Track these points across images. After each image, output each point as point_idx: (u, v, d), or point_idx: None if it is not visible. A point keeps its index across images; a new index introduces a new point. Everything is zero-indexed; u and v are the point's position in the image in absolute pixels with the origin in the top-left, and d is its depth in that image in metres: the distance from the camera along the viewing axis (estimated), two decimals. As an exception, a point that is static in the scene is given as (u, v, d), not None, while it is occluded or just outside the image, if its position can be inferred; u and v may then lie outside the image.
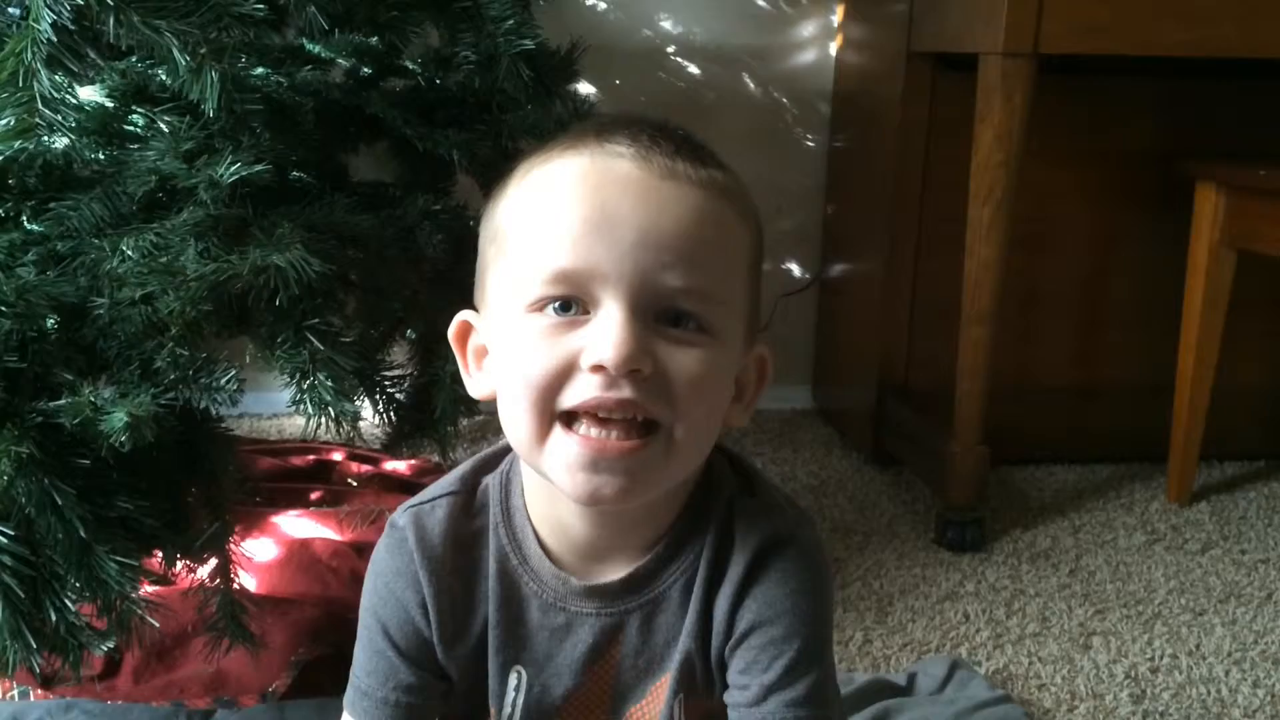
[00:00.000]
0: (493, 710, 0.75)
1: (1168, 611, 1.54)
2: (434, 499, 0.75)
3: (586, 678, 0.73)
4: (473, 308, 0.72)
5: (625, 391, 0.61)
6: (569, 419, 0.63)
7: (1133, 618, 1.52)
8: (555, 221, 0.63)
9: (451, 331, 0.72)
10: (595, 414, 0.62)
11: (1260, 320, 2.00)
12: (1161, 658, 1.42)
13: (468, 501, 0.74)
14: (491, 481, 0.75)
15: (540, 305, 0.63)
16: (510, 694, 0.74)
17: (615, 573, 0.72)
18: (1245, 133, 1.94)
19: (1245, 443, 2.10)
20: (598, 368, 0.61)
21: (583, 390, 0.62)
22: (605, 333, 0.61)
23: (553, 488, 0.68)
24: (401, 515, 0.74)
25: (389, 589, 0.74)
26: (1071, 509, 1.88)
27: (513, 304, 0.64)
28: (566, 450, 0.63)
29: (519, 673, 0.74)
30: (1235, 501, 1.93)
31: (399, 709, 0.74)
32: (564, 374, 0.62)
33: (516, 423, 0.65)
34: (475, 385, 0.72)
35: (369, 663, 0.75)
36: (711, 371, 0.64)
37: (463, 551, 0.73)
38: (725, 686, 0.73)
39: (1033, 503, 1.90)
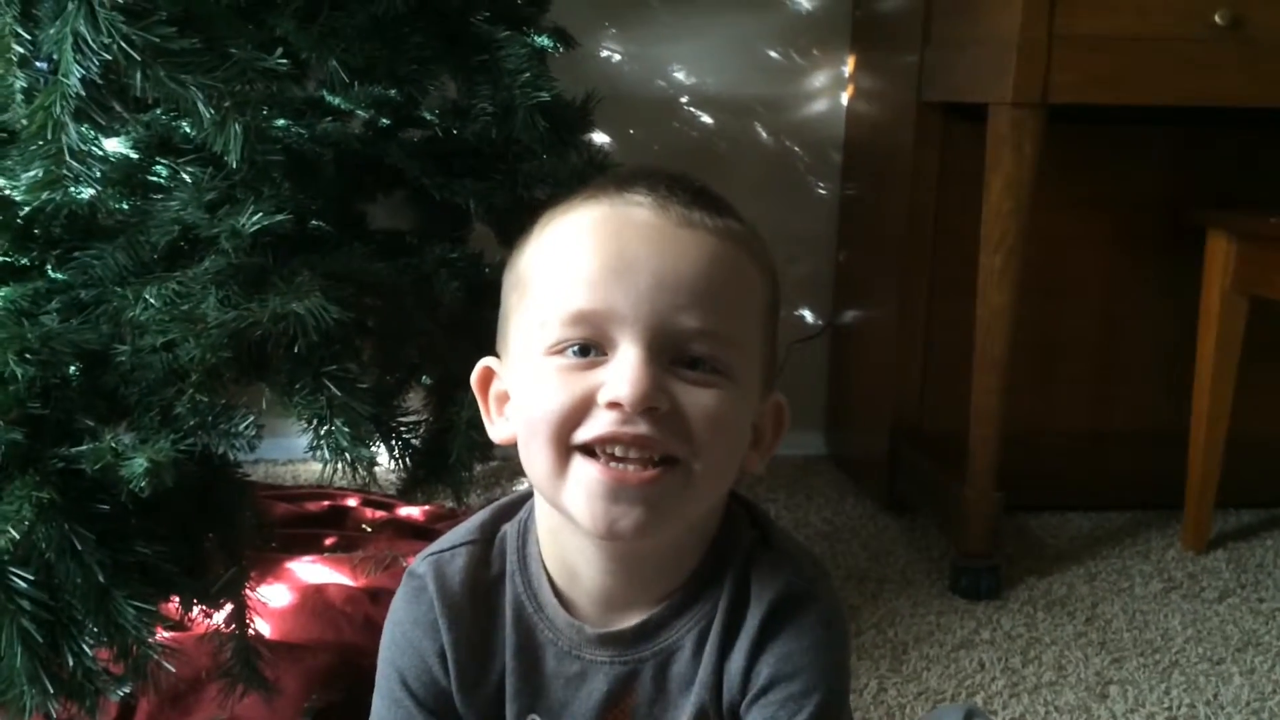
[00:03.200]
0: None
1: (1185, 660, 1.53)
2: (453, 547, 0.75)
3: None
4: (494, 354, 0.73)
5: (641, 427, 0.62)
6: (588, 452, 0.64)
7: (1149, 666, 1.51)
8: (575, 266, 0.65)
9: (474, 377, 0.73)
10: (612, 451, 0.63)
11: (1275, 367, 2.00)
12: (1179, 707, 1.40)
13: (486, 550, 0.75)
14: (509, 530, 0.76)
15: (560, 348, 0.65)
16: None
17: (629, 621, 0.72)
18: (1255, 180, 1.95)
19: (1262, 490, 2.09)
20: (614, 404, 0.62)
21: (599, 425, 0.63)
22: (622, 371, 0.62)
23: (567, 535, 0.69)
24: (421, 563, 0.75)
25: (407, 638, 0.74)
26: (1087, 556, 1.87)
27: (533, 347, 0.66)
28: (586, 477, 0.64)
29: None
30: (1252, 549, 1.91)
31: None
32: (581, 409, 0.63)
33: (535, 459, 0.66)
34: (496, 431, 0.73)
35: (386, 713, 0.75)
36: (728, 411, 0.65)
37: (481, 600, 0.74)
38: None
39: (1048, 550, 1.89)
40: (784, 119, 2.25)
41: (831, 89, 2.25)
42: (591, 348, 0.64)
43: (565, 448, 0.64)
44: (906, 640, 1.56)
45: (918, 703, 1.40)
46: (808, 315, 2.35)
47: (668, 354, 0.64)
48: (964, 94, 1.76)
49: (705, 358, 0.65)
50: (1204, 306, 1.82)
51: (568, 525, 0.68)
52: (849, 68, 2.23)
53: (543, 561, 0.73)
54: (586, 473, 0.64)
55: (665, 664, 0.72)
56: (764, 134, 2.26)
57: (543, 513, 0.73)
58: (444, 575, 0.74)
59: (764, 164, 2.26)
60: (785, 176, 2.28)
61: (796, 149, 2.28)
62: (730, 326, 0.66)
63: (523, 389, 0.67)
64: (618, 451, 0.63)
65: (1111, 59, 1.57)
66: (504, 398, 0.72)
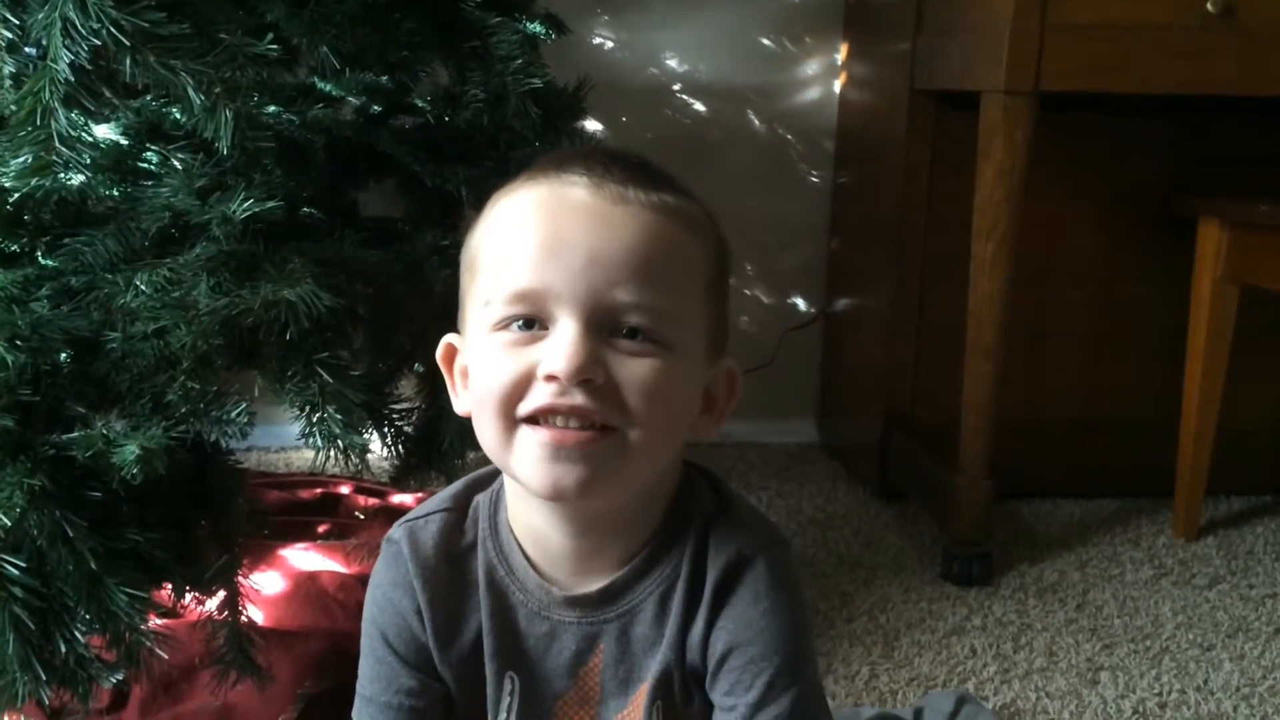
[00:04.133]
0: (490, 714, 0.79)
1: (1175, 646, 1.54)
2: (427, 515, 0.79)
3: (573, 683, 0.77)
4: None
5: (577, 399, 0.66)
6: (531, 422, 0.68)
7: (1140, 653, 1.51)
8: (515, 247, 0.69)
9: (439, 354, 0.77)
10: (553, 421, 0.67)
11: (1265, 355, 2.01)
12: (1169, 693, 1.41)
13: (459, 518, 0.79)
14: (482, 500, 0.80)
15: (505, 324, 0.68)
16: (505, 698, 0.78)
17: (594, 584, 0.76)
18: (1247, 169, 1.95)
19: (1252, 478, 2.10)
20: (551, 377, 0.66)
21: (539, 397, 0.67)
22: (559, 345, 0.66)
23: (531, 501, 0.74)
24: (396, 530, 0.79)
25: (387, 599, 0.78)
26: (1078, 543, 1.88)
27: (482, 324, 0.70)
28: (530, 442, 0.68)
29: (512, 678, 0.78)
30: (1242, 536, 1.92)
31: (402, 712, 0.78)
32: (523, 383, 0.67)
33: (485, 430, 0.70)
34: (460, 404, 0.76)
35: (372, 670, 0.79)
36: (665, 381, 0.68)
37: (454, 564, 0.78)
38: (705, 700, 0.76)
39: (1039, 537, 1.90)
40: (777, 107, 2.25)
41: (824, 77, 2.25)
42: (534, 322, 0.68)
43: (511, 420, 0.68)
44: (898, 627, 1.57)
45: (909, 689, 1.40)
46: (800, 303, 2.35)
47: (605, 327, 0.67)
48: (956, 82, 1.76)
49: (641, 329, 0.68)
50: (1195, 295, 1.82)
51: (527, 492, 0.72)
52: (842, 55, 2.23)
53: (512, 529, 0.77)
54: (530, 438, 0.68)
55: (628, 626, 0.76)
56: (757, 122, 2.26)
57: (508, 483, 0.77)
58: (417, 540, 0.78)
59: (757, 152, 2.26)
60: (778, 164, 2.28)
61: (789, 137, 2.27)
62: (665, 299, 0.68)
63: (474, 364, 0.71)
64: (558, 421, 0.67)
65: (1104, 47, 1.57)
66: (465, 371, 0.75)
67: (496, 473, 0.80)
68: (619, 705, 0.77)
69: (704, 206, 0.74)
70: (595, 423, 0.67)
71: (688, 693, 0.76)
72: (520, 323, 0.68)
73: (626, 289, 0.67)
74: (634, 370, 0.67)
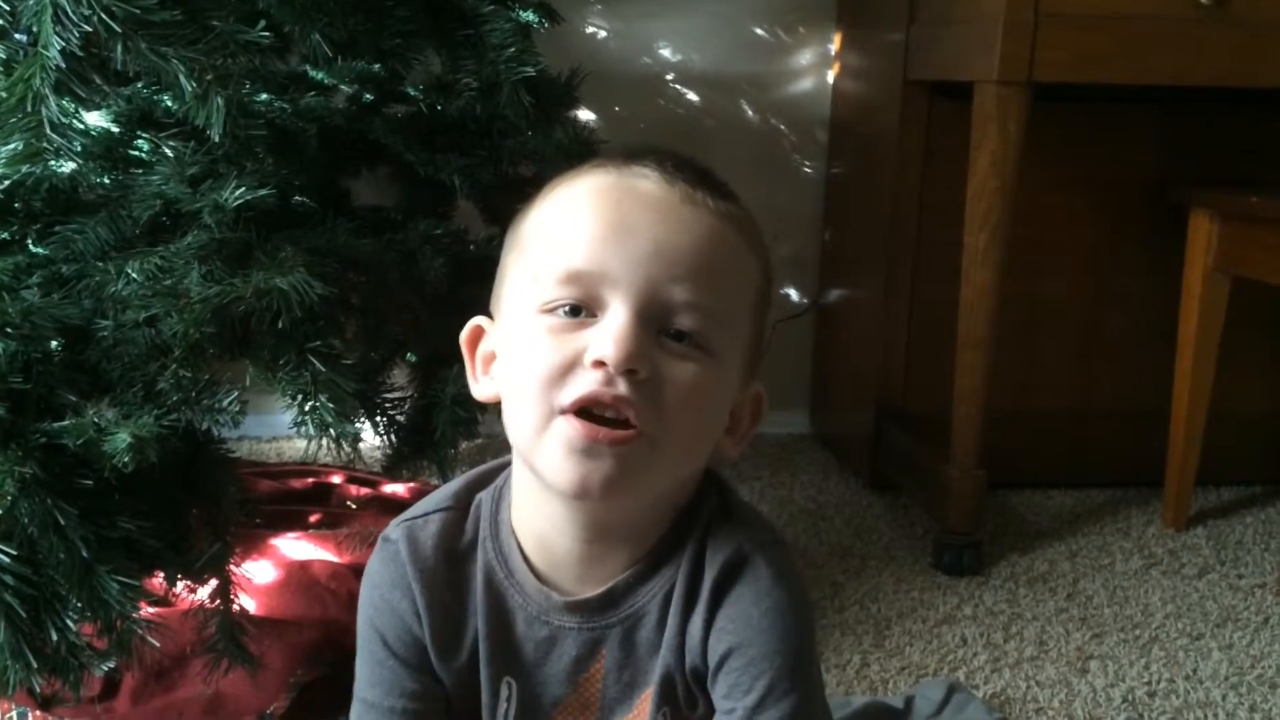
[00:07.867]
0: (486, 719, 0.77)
1: (1165, 636, 1.54)
2: (427, 514, 0.76)
3: (573, 688, 0.75)
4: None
5: (621, 389, 0.63)
6: (568, 414, 0.65)
7: (1130, 642, 1.52)
8: (576, 226, 0.67)
9: (463, 335, 0.75)
10: (590, 411, 0.64)
11: (1256, 346, 2.01)
12: (1158, 682, 1.42)
13: (460, 518, 0.76)
14: (484, 497, 0.77)
15: (551, 307, 0.66)
16: (502, 705, 0.76)
17: (595, 589, 0.73)
18: (1239, 160, 1.96)
19: (1241, 468, 2.10)
20: (599, 363, 0.63)
21: (582, 385, 0.64)
22: (609, 331, 0.64)
23: (542, 501, 0.71)
24: (394, 529, 0.76)
25: (385, 600, 0.75)
26: (1068, 533, 1.88)
27: (526, 305, 0.67)
28: (563, 433, 0.64)
29: (509, 684, 0.75)
30: (1232, 526, 1.93)
31: (406, 715, 0.75)
32: (567, 368, 0.64)
33: (518, 415, 0.67)
34: (480, 389, 0.74)
35: (371, 674, 0.76)
36: (705, 387, 0.66)
37: (454, 565, 0.75)
38: (709, 704, 0.74)
39: (1030, 527, 1.91)
40: (770, 97, 2.25)
41: (818, 67, 2.25)
42: (582, 308, 0.65)
43: (549, 407, 0.65)
44: (889, 616, 1.57)
45: (900, 678, 1.41)
46: (793, 294, 2.35)
47: (655, 323, 0.65)
48: (950, 72, 1.76)
49: (691, 331, 0.66)
50: (1186, 285, 1.83)
51: (542, 491, 0.69)
52: (835, 45, 2.23)
53: (514, 529, 0.75)
54: (564, 429, 0.64)
55: (632, 630, 0.74)
56: (750, 112, 2.25)
57: (519, 479, 0.74)
58: (416, 540, 0.75)
59: (750, 142, 2.25)
60: (771, 155, 2.28)
61: (782, 127, 2.27)
62: (720, 303, 0.67)
63: (512, 346, 0.69)
64: (595, 412, 0.64)
65: (1097, 37, 1.57)
66: (490, 357, 0.73)
67: (499, 469, 0.78)
68: (624, 710, 0.75)
69: (756, 222, 0.72)
70: (630, 420, 0.64)
71: (691, 695, 0.74)
72: (567, 309, 0.65)
73: (684, 286, 0.65)
74: (677, 372, 0.65)
